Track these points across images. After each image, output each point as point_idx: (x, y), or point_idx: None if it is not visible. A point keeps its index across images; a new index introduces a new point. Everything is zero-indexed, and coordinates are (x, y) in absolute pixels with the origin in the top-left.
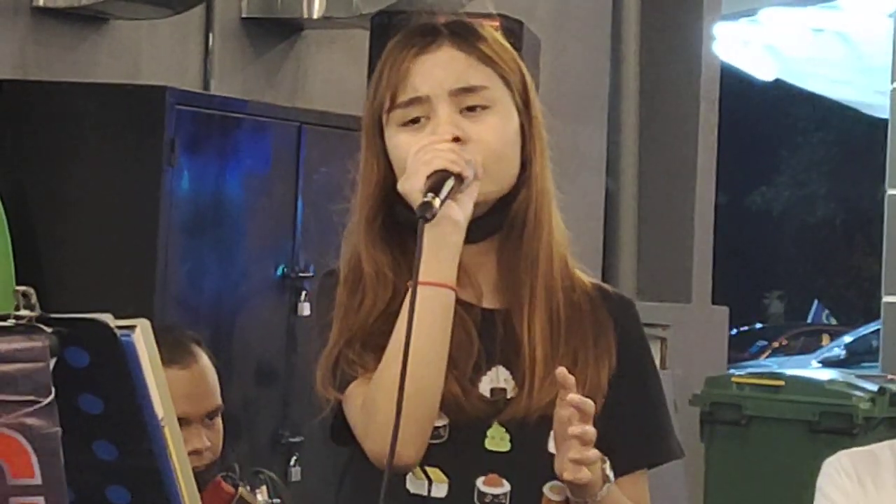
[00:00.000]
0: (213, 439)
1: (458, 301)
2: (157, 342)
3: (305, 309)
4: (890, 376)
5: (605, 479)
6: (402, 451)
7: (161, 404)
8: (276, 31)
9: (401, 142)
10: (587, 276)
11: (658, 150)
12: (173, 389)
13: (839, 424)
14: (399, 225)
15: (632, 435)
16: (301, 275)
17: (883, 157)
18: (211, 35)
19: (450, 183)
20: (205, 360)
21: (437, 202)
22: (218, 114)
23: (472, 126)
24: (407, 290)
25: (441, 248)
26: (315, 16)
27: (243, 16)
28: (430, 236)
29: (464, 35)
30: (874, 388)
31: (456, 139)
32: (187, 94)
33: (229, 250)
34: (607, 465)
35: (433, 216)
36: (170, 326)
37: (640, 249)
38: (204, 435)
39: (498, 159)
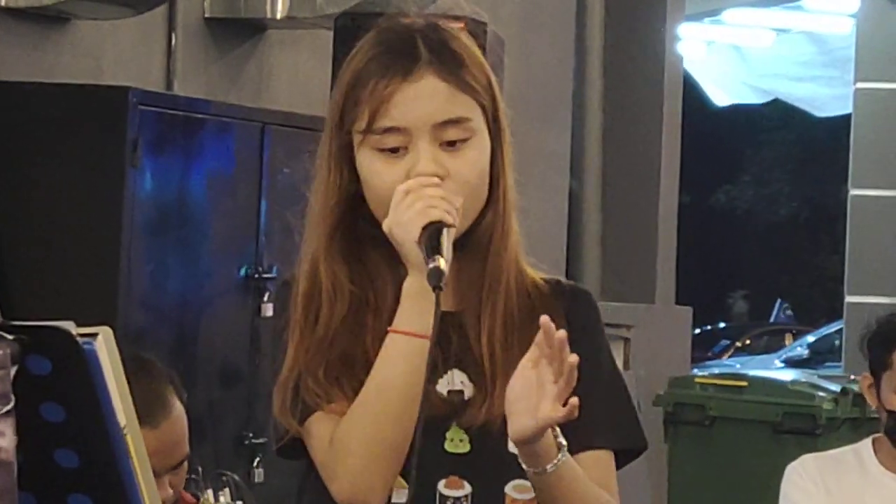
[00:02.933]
0: (176, 483)
1: None
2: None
3: (269, 310)
4: (853, 377)
5: (559, 446)
6: (370, 499)
7: (123, 412)
8: (239, 32)
9: (377, 168)
10: (541, 273)
11: (622, 150)
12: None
13: (802, 425)
14: (359, 237)
15: (589, 415)
16: (264, 275)
17: (846, 157)
18: (174, 35)
19: (446, 237)
20: (176, 409)
21: (443, 264)
22: (181, 114)
23: (452, 161)
24: (366, 304)
25: (424, 298)
26: (279, 16)
27: (206, 16)
28: (414, 285)
29: (446, 61)
30: (837, 388)
31: (438, 177)
32: (150, 95)
33: (193, 251)
34: (559, 434)
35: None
36: (142, 367)
37: (603, 250)
38: (168, 484)
39: (474, 193)
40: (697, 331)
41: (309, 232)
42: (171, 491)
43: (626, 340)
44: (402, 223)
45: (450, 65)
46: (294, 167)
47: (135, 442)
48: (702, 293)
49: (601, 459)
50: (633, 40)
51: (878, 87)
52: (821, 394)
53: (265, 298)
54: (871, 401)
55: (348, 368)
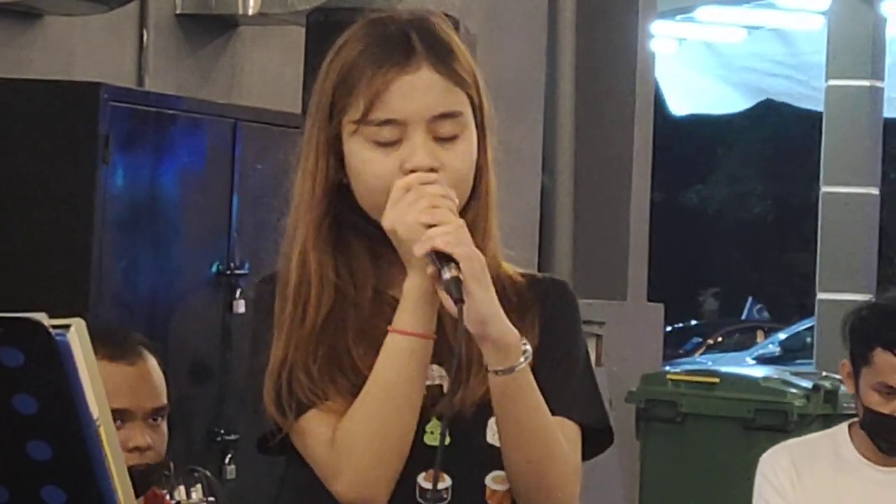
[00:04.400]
0: (156, 440)
1: (393, 299)
2: (106, 339)
3: (240, 306)
4: (824, 373)
5: (524, 352)
6: (375, 497)
7: (96, 404)
8: (211, 28)
9: (369, 158)
10: (517, 270)
11: (594, 147)
12: (119, 383)
13: (774, 422)
14: (344, 228)
15: (560, 391)
16: (236, 272)
17: (817, 155)
18: (145, 31)
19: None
20: (153, 361)
21: (459, 272)
22: (153, 110)
23: (446, 154)
24: (346, 297)
25: (424, 299)
26: (250, 12)
27: (178, 12)
28: (415, 285)
29: (441, 54)
30: (809, 385)
31: (433, 170)
32: (121, 91)
33: (164, 247)
34: (526, 343)
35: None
36: (120, 327)
37: (575, 246)
38: (147, 433)
39: (463, 186)
40: (669, 328)
41: (293, 223)
42: (150, 441)
43: (599, 337)
44: (407, 223)
45: (444, 58)
46: (266, 164)
47: (107, 434)
48: (673, 291)
49: (567, 425)
50: (606, 37)
51: (849, 84)
52: (792, 390)
53: (237, 295)
54: (849, 387)
55: (336, 364)
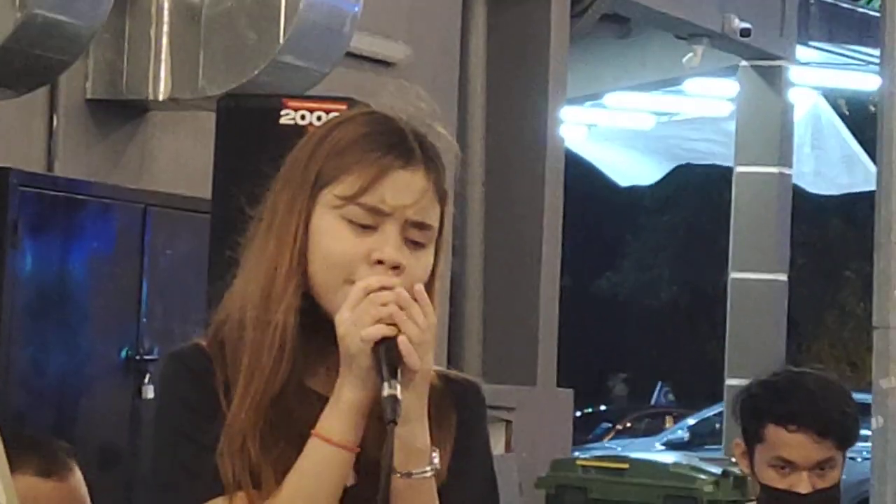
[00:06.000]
0: None
1: (316, 393)
2: (35, 452)
3: (149, 392)
4: (733, 459)
5: (431, 462)
6: None
7: (3, 493)
8: (121, 113)
9: (342, 236)
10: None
11: (504, 233)
12: (52, 500)
13: None
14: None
15: (458, 496)
16: (146, 357)
17: (726, 241)
18: (55, 116)
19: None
20: (78, 474)
21: (399, 392)
22: (62, 195)
23: (409, 258)
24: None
25: (356, 410)
26: (161, 97)
27: (88, 97)
28: (349, 394)
29: (433, 165)
30: (718, 471)
31: (398, 266)
32: (31, 176)
33: (73, 333)
34: (436, 457)
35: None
36: (45, 437)
37: (485, 332)
38: None
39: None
40: (578, 413)
41: (256, 285)
42: None
43: (508, 423)
44: (356, 334)
45: (436, 169)
46: (176, 249)
47: None
48: (582, 376)
49: None
50: (515, 124)
51: (757, 170)
52: (702, 476)
53: (146, 380)
54: (744, 466)
55: (276, 442)
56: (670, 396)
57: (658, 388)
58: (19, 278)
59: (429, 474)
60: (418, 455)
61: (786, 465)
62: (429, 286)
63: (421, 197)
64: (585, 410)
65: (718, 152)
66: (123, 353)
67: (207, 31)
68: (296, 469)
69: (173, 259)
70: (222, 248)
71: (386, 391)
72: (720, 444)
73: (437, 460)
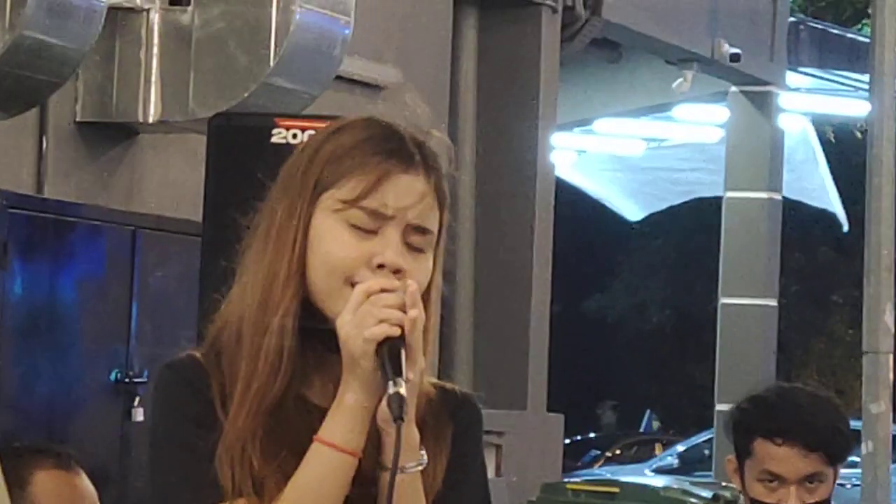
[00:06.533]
0: None
1: (313, 404)
2: (50, 451)
3: (139, 414)
4: (724, 483)
5: (420, 456)
6: None
7: None
8: (111, 135)
9: (344, 239)
10: (429, 380)
11: (494, 257)
12: (72, 489)
13: None
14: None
15: None
16: (135, 380)
17: (716, 265)
18: (45, 138)
19: (404, 355)
20: (86, 477)
21: (404, 390)
22: (52, 217)
23: (410, 262)
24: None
25: (359, 415)
26: (150, 119)
27: (78, 119)
28: (351, 399)
29: (433, 171)
30: (708, 495)
31: (399, 270)
32: (20, 198)
33: (63, 355)
34: (423, 453)
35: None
36: (55, 443)
37: (475, 356)
38: None
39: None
40: (567, 441)
41: (251, 287)
42: None
43: (498, 447)
44: (359, 336)
45: (436, 175)
46: (166, 271)
47: None
48: (572, 403)
49: None
50: (505, 149)
51: (746, 195)
52: (692, 500)
53: (135, 403)
54: (736, 483)
55: (277, 451)
56: (656, 424)
57: (647, 414)
58: (9, 300)
59: (419, 468)
60: (410, 451)
61: (773, 479)
62: (425, 295)
63: (422, 201)
64: (574, 437)
65: (708, 181)
66: (113, 376)
67: (197, 53)
68: (298, 475)
69: (163, 281)
70: (213, 269)
71: (391, 389)
72: (710, 470)
73: (424, 456)
